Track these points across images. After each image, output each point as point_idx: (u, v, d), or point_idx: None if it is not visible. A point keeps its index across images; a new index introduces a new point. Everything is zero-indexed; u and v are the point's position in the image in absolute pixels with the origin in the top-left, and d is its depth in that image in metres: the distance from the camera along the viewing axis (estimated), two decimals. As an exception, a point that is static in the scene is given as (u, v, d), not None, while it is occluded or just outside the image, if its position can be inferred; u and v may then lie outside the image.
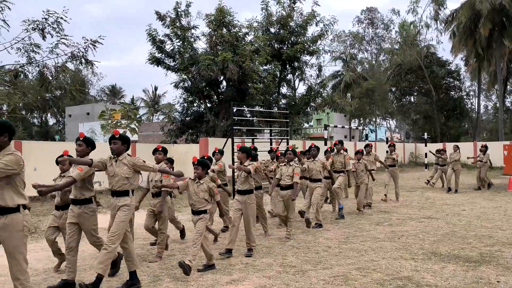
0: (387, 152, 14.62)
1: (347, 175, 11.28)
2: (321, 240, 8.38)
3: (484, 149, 17.61)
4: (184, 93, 23.85)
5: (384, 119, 60.15)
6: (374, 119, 54.81)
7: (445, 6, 43.21)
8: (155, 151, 7.67)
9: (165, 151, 7.67)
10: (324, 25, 26.20)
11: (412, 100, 49.53)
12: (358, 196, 11.77)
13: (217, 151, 9.73)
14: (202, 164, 6.55)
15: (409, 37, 43.74)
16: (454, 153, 16.85)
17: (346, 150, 11.47)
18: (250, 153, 7.70)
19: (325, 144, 18.29)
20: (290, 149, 8.76)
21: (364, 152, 12.86)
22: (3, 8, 13.21)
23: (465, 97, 48.37)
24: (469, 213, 11.54)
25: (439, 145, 32.11)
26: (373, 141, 42.22)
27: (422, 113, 45.34)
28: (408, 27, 45.05)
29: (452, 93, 45.42)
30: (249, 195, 7.44)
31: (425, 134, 32.22)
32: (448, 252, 7.36)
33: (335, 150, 11.30)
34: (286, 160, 8.64)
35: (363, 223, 10.15)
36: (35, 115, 56.39)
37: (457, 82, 45.87)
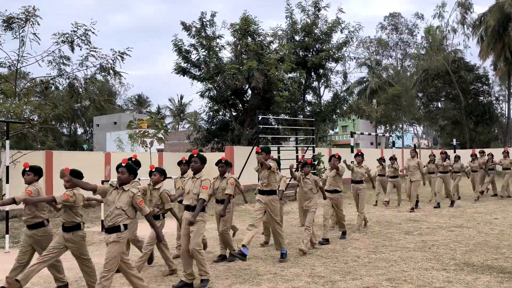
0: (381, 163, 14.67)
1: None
2: (349, 250, 8.29)
3: (506, 154, 17.14)
4: (209, 102, 24.07)
5: (411, 125, 59.27)
6: (400, 126, 54.09)
7: (472, 10, 42.48)
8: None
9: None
10: (349, 32, 26.16)
11: (440, 105, 48.70)
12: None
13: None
14: (129, 168, 5.44)
15: (435, 42, 43.11)
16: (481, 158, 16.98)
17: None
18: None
19: (352, 152, 18.14)
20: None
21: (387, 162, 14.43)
22: (33, 22, 13.56)
23: (494, 102, 47.22)
24: (501, 222, 11.25)
25: (468, 151, 31.47)
26: (399, 147, 41.55)
27: (450, 118, 44.54)
28: (434, 32, 44.44)
29: (481, 98, 44.46)
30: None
31: (454, 140, 31.64)
32: (481, 262, 7.19)
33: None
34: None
35: (392, 232, 10.00)
36: (64, 125, 57.60)
37: (486, 87, 44.88)
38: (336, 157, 9.24)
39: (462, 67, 43.07)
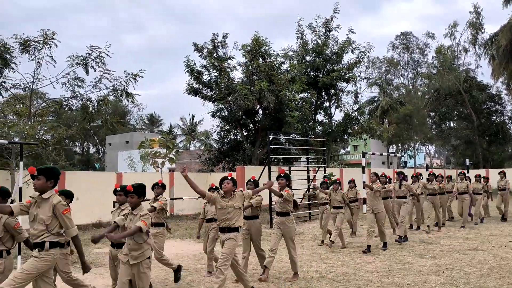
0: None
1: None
2: (361, 273, 8.19)
3: (502, 175, 16.55)
4: (220, 122, 24.21)
5: (423, 145, 58.86)
6: (412, 145, 53.77)
7: (483, 30, 42.50)
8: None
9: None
10: (360, 52, 26.27)
11: (452, 125, 48.38)
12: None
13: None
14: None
15: (446, 61, 43.05)
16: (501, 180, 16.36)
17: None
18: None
19: (363, 172, 18.03)
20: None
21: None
22: (51, 45, 13.84)
23: (507, 121, 46.84)
24: (517, 245, 11.06)
25: (482, 171, 31.15)
26: (412, 167, 41.31)
27: (463, 138, 44.17)
28: (445, 51, 44.43)
29: (494, 117, 44.12)
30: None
31: (467, 160, 31.34)
32: (497, 287, 7.05)
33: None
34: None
35: (404, 255, 9.87)
36: (77, 144, 58.11)
37: (499, 106, 44.54)
38: (282, 174, 8.09)
39: (474, 86, 42.87)
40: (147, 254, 5.36)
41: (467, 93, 41.84)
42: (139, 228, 5.14)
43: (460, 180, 15.26)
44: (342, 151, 59.00)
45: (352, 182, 12.49)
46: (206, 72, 22.69)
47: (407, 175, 13.33)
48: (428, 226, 13.43)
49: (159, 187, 7.92)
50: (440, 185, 14.09)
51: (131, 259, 5.29)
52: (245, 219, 7.73)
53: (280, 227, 7.92)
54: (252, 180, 7.97)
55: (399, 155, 40.78)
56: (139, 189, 5.44)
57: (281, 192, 7.80)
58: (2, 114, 14.27)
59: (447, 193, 15.07)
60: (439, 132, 48.30)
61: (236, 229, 6.32)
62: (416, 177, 13.70)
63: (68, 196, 6.30)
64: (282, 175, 7.94)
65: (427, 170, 28.70)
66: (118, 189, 6.37)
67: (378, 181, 10.98)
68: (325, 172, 18.27)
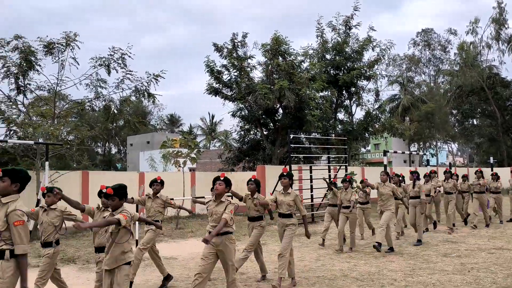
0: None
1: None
2: (385, 272, 8.12)
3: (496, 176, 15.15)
4: (241, 121, 24.27)
5: (445, 143, 58.05)
6: (434, 143, 53.06)
7: (507, 26, 41.73)
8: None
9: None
10: (380, 50, 26.06)
11: (475, 122, 47.63)
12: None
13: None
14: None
15: (469, 58, 42.39)
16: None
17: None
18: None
19: (385, 170, 17.80)
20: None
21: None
22: (73, 47, 14.06)
23: (532, 118, 45.99)
24: (544, 244, 10.83)
25: (506, 170, 30.57)
26: (434, 165, 40.70)
27: (486, 136, 43.48)
28: (468, 48, 43.73)
29: (519, 114, 43.36)
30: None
31: (491, 158, 30.80)
32: (525, 287, 6.92)
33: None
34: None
35: (429, 254, 9.75)
36: (99, 144, 58.93)
37: (524, 103, 43.78)
38: (285, 173, 7.49)
39: (498, 83, 42.15)
40: (128, 259, 4.93)
41: (491, 90, 41.15)
42: (117, 220, 4.73)
43: (477, 179, 14.63)
44: (363, 149, 58.54)
45: (363, 182, 11.69)
46: (226, 72, 22.81)
47: (419, 174, 12.15)
48: (449, 227, 13.06)
49: (157, 184, 7.78)
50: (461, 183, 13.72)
51: (110, 262, 4.90)
52: (249, 221, 7.76)
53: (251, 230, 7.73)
54: (252, 179, 7.76)
55: (421, 153, 40.28)
56: (119, 191, 5.04)
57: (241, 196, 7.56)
58: (28, 116, 14.53)
59: (463, 192, 14.55)
60: (462, 130, 47.62)
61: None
62: (429, 176, 13.15)
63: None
64: (285, 174, 7.46)
65: (450, 169, 28.32)
66: (105, 190, 5.69)
67: (388, 181, 10.52)
68: (346, 171, 18.13)
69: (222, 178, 6.08)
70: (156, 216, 7.63)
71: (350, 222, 10.39)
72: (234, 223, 5.92)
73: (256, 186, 7.70)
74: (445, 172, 13.81)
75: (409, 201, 11.62)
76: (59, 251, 6.13)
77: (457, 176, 14.58)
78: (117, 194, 4.99)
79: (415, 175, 11.79)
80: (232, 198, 6.56)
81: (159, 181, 7.82)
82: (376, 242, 9.71)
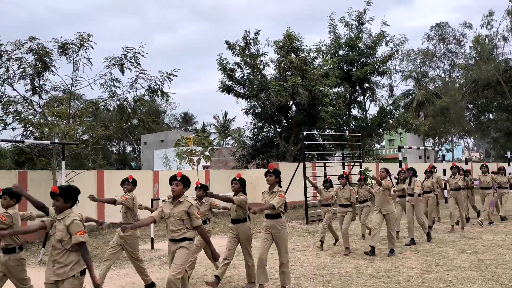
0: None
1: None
2: (401, 269, 8.06)
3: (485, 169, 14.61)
4: (254, 119, 24.25)
5: (461, 138, 57.42)
6: (450, 138, 52.52)
7: (523, 18, 41.10)
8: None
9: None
10: (394, 45, 25.85)
11: (491, 117, 47.00)
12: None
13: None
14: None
15: (484, 51, 41.82)
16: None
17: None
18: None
19: (400, 166, 17.69)
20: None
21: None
22: (87, 47, 14.17)
23: (550, 111, 45.26)
24: None
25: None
26: (450, 161, 40.32)
27: (503, 130, 42.86)
28: (483, 41, 43.15)
29: (536, 108, 42.69)
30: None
31: (508, 152, 30.37)
32: (544, 283, 6.82)
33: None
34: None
35: (445, 251, 9.65)
36: (114, 143, 59.37)
37: (541, 97, 43.07)
38: (271, 170, 6.95)
39: (515, 76, 41.51)
40: (74, 271, 4.43)
41: (507, 83, 40.56)
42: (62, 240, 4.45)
43: (483, 174, 14.25)
44: (377, 145, 58.22)
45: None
46: (238, 70, 22.77)
47: (415, 170, 11.54)
48: (452, 225, 12.49)
49: (129, 183, 7.26)
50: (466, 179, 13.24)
51: (52, 274, 4.43)
52: (232, 223, 7.18)
53: (234, 233, 7.13)
54: (237, 178, 7.17)
55: (436, 148, 39.91)
56: (66, 192, 4.61)
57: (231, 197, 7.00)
58: (43, 116, 14.69)
59: (467, 189, 13.93)
60: (478, 125, 47.01)
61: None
62: (430, 171, 12.62)
63: (12, 196, 5.70)
64: (271, 170, 6.86)
65: (466, 164, 27.98)
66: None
67: (389, 178, 9.79)
68: (361, 167, 18.05)
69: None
70: (125, 219, 7.12)
71: (345, 220, 9.92)
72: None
73: (240, 185, 7.15)
74: (451, 168, 13.16)
75: (406, 199, 11.15)
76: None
77: (464, 171, 13.78)
78: (63, 195, 4.56)
79: (411, 172, 11.28)
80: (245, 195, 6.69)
81: (130, 180, 7.27)
82: (370, 245, 9.38)
